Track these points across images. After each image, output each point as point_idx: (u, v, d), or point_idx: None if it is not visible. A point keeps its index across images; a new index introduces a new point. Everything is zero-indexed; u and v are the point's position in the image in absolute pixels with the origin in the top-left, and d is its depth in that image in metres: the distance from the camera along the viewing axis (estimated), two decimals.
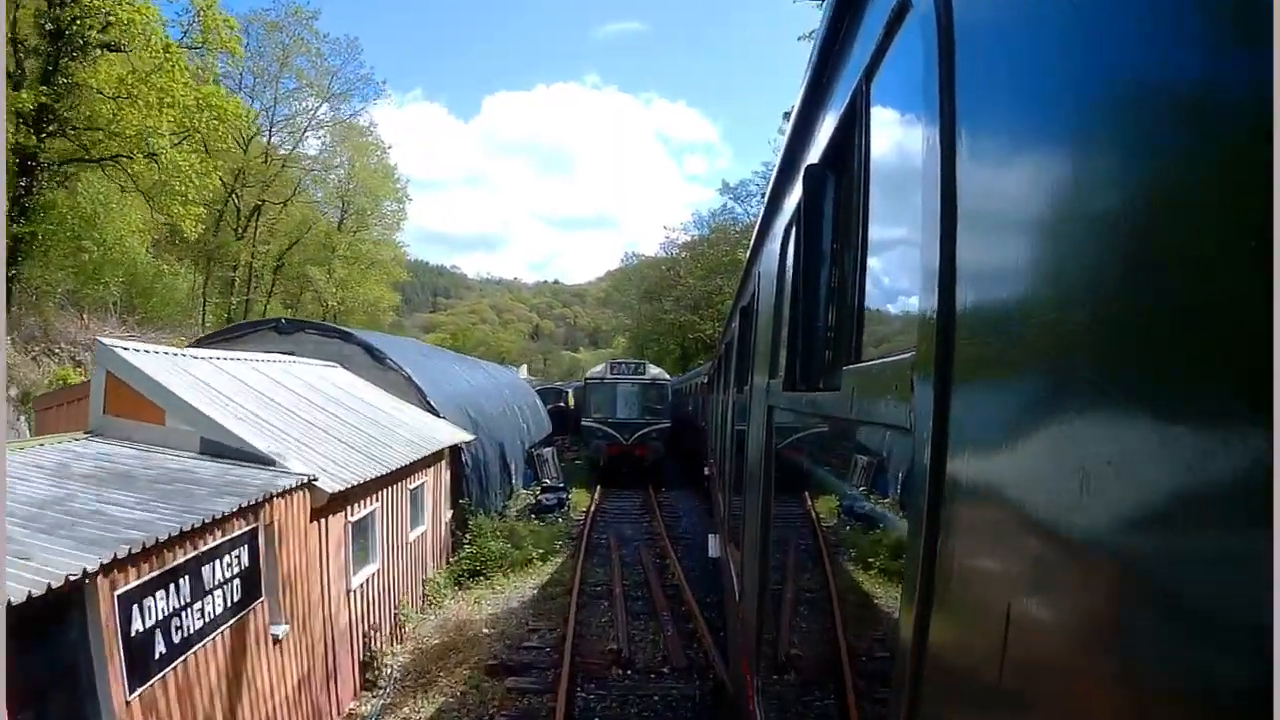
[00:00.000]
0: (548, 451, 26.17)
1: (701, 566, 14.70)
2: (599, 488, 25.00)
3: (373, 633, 10.96)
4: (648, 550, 16.66)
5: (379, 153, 48.99)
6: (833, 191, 2.49)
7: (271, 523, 7.93)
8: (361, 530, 10.76)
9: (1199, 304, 0.57)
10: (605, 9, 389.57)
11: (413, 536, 13.07)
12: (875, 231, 1.91)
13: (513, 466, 22.10)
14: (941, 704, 1.14)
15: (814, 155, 2.68)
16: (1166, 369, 0.63)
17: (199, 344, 17.82)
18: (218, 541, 6.85)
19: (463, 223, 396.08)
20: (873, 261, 1.93)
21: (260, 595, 7.68)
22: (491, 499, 18.76)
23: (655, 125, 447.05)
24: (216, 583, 6.83)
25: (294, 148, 43.08)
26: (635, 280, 65.64)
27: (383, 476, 11.02)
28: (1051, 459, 0.83)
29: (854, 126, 2.07)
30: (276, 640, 8.02)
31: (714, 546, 9.52)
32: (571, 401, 38.42)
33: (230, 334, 19.18)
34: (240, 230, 41.86)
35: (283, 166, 42.10)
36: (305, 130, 43.47)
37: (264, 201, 41.86)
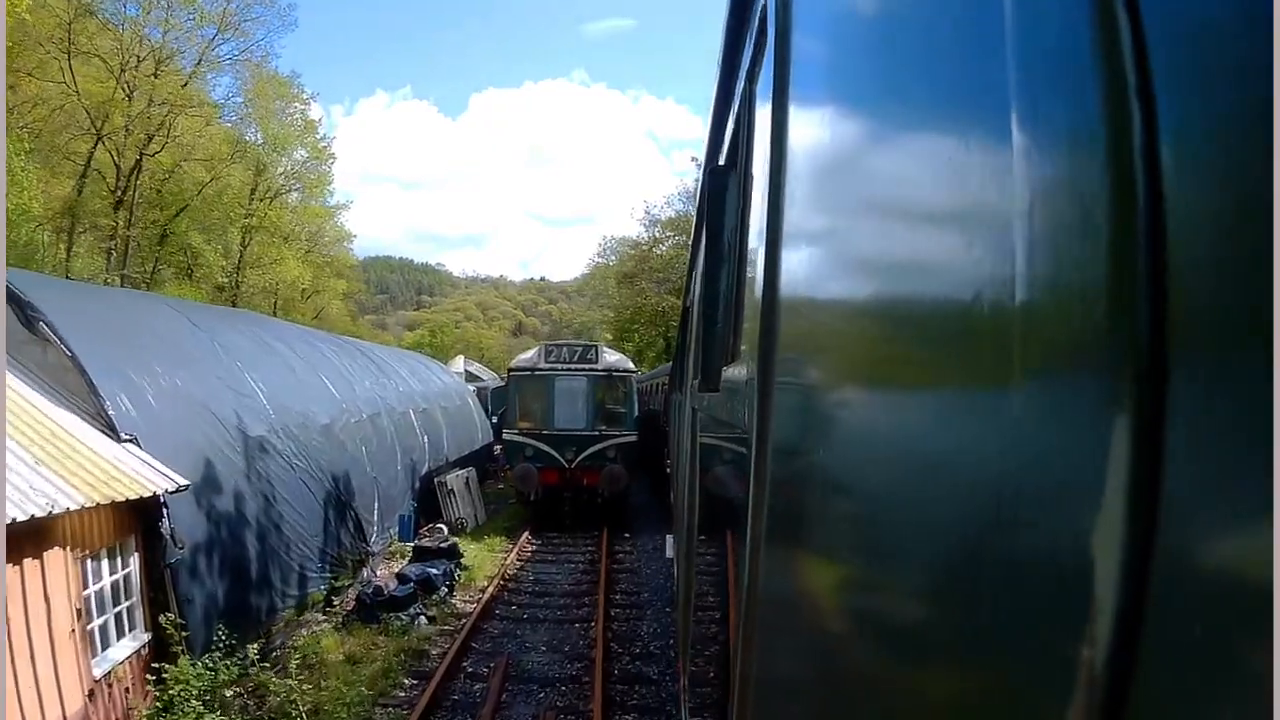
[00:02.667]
0: (455, 479, 17.52)
1: None
2: (526, 535, 16.32)
3: None
4: None
5: (299, 104, 40.23)
6: (732, 193, 2.48)
7: None
8: None
9: (1011, 299, 0.53)
10: (595, 5, 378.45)
11: None
12: (751, 231, 1.90)
13: (367, 515, 13.40)
14: (764, 676, 1.26)
15: (721, 158, 2.85)
16: (971, 367, 0.61)
17: None
18: None
19: (450, 220, 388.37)
20: (749, 261, 1.91)
21: None
22: (275, 593, 10.03)
23: (645, 122, 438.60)
24: None
25: (184, 84, 34.07)
26: (614, 265, 57.29)
27: None
28: (863, 458, 0.86)
29: (741, 128, 2.18)
30: None
31: (669, 548, 9.01)
32: None
33: None
34: (119, 192, 33.17)
35: (167, 113, 33.16)
36: (196, 66, 34.61)
37: (145, 155, 33.10)
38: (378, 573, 13.40)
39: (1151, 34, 0.39)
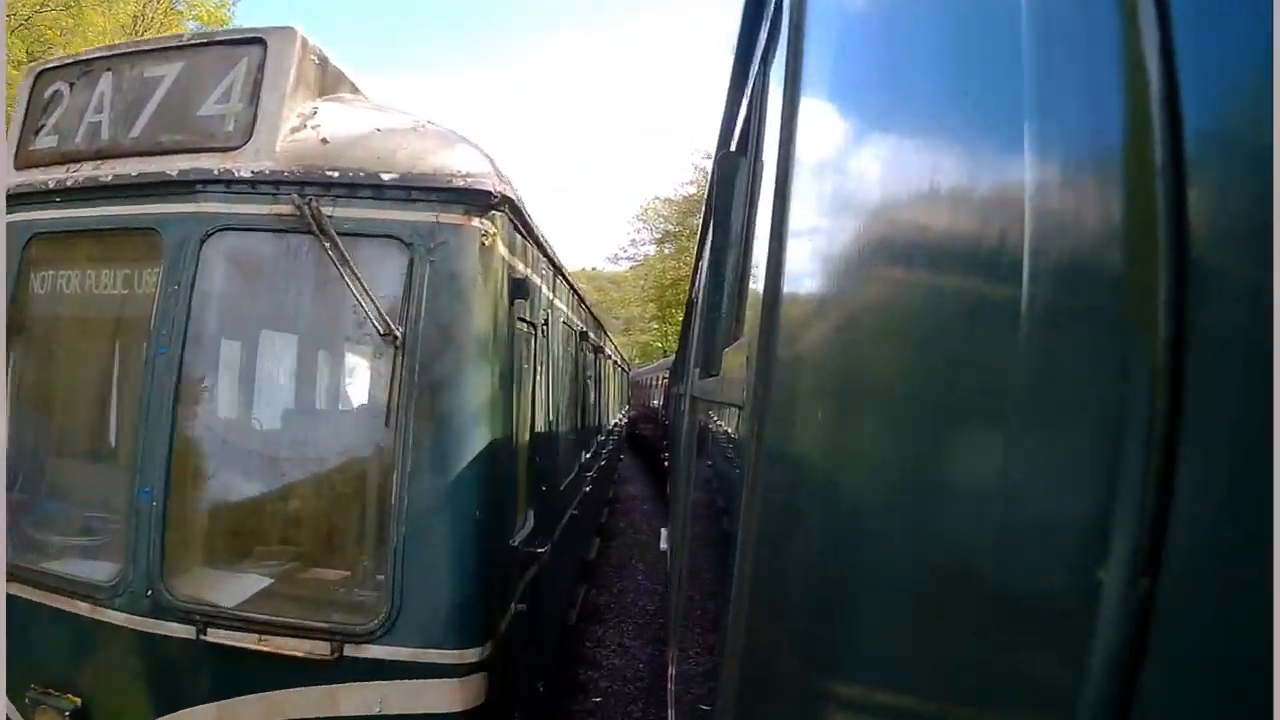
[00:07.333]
0: None
1: None
2: None
3: None
4: None
5: None
6: (742, 178, 2.50)
7: None
8: None
9: (1016, 304, 0.50)
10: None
11: None
12: (760, 215, 1.91)
13: None
14: (758, 650, 1.22)
15: (733, 144, 2.87)
16: (966, 371, 0.59)
17: None
18: None
19: None
20: (756, 246, 1.95)
21: None
22: None
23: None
24: None
25: None
26: (651, 225, 45.00)
27: None
28: (863, 442, 0.83)
29: (754, 113, 2.14)
30: None
31: (664, 539, 8.70)
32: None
33: None
34: None
35: None
36: None
37: None
38: None
39: (1181, 37, 0.36)
